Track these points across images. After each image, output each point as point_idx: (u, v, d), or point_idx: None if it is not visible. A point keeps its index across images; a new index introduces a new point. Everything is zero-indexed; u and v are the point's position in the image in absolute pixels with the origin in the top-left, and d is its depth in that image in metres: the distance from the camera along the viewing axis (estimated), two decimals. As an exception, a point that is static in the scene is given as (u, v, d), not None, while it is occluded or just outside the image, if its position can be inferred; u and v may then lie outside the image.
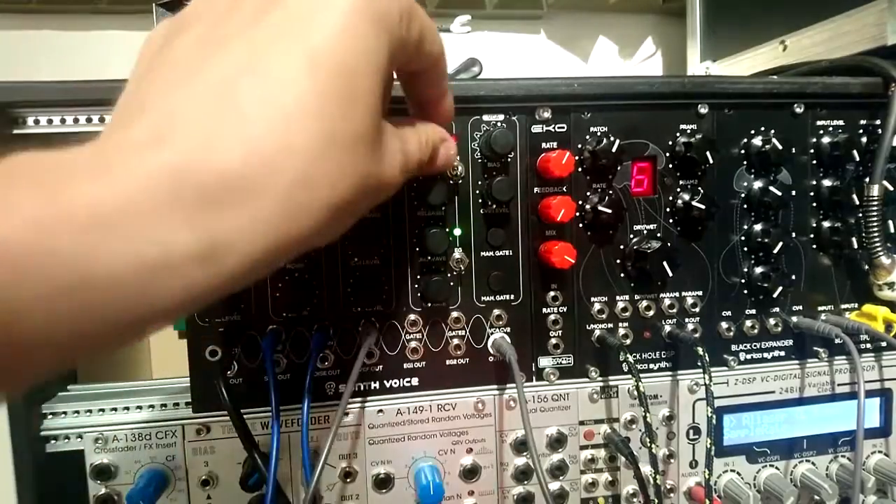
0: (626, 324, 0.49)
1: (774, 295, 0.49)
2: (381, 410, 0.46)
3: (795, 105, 0.50)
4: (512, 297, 0.47)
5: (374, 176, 0.24)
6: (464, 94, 0.45)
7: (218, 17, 0.24)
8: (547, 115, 0.46)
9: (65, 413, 0.45)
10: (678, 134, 0.48)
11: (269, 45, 0.21)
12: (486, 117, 0.46)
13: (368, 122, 0.23)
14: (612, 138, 0.46)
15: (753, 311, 0.51)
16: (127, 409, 0.45)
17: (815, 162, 0.51)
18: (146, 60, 0.25)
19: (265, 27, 0.22)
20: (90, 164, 0.18)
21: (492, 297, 0.47)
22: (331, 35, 0.22)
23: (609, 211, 0.46)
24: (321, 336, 0.44)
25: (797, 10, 0.69)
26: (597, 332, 0.48)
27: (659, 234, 0.48)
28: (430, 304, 0.46)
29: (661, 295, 0.49)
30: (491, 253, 0.47)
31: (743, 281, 0.50)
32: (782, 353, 0.52)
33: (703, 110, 0.48)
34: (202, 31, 0.23)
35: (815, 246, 0.51)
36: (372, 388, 0.46)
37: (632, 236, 0.48)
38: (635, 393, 0.46)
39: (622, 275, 0.49)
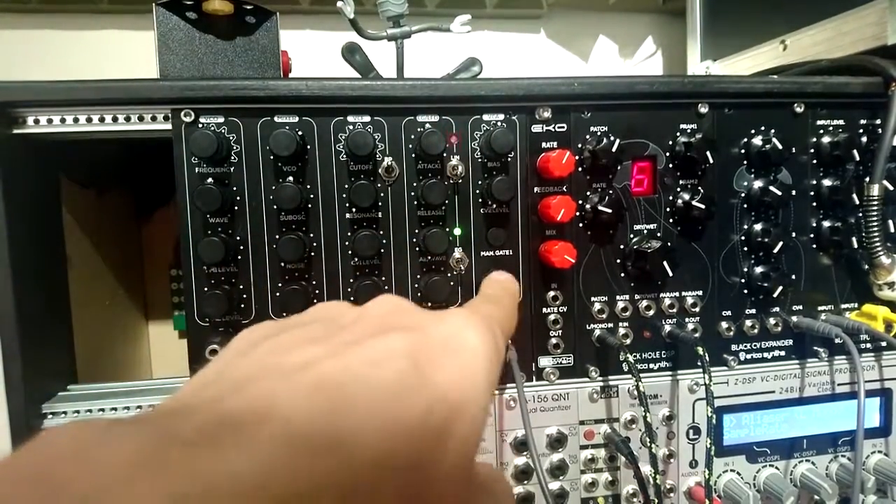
0: (626, 323, 0.49)
1: (774, 295, 0.49)
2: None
3: (795, 105, 0.50)
4: (512, 296, 0.47)
5: None
6: (464, 93, 0.45)
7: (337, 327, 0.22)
8: (547, 114, 0.46)
9: (65, 413, 0.45)
10: (678, 133, 0.48)
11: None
12: (486, 117, 0.46)
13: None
14: (612, 138, 0.46)
15: (753, 311, 0.51)
16: (127, 408, 0.45)
17: (815, 161, 0.51)
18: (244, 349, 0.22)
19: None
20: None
21: (492, 297, 0.47)
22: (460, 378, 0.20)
23: (609, 211, 0.46)
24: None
25: (797, 10, 0.69)
26: (597, 332, 0.48)
27: (659, 234, 0.48)
28: (430, 304, 0.46)
29: (662, 295, 0.49)
30: (491, 253, 0.47)
31: (743, 280, 0.50)
32: (782, 353, 0.52)
33: (704, 110, 0.48)
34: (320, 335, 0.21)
35: (815, 246, 0.51)
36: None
37: (632, 236, 0.48)
38: (635, 393, 0.46)
39: (622, 274, 0.49)
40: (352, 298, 0.45)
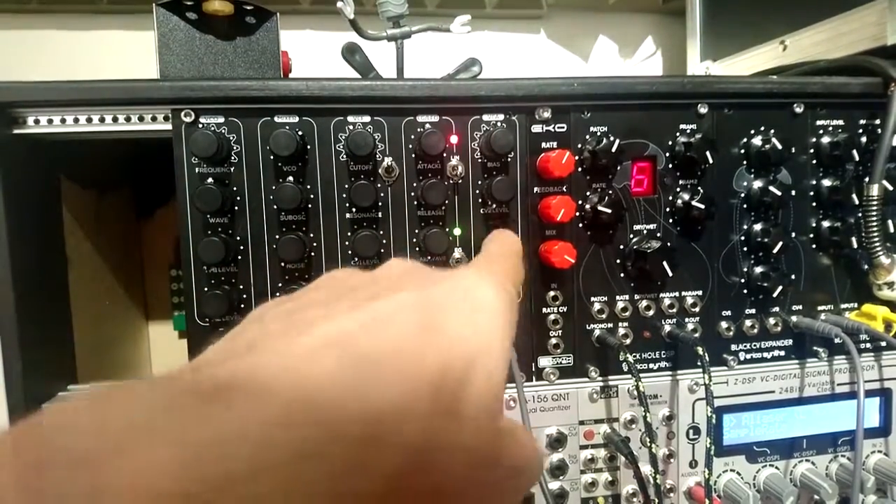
0: (625, 323, 0.49)
1: (774, 294, 0.49)
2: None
3: (795, 105, 0.50)
4: (512, 296, 0.47)
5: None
6: (464, 94, 0.45)
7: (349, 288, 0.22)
8: (547, 114, 0.46)
9: (65, 413, 0.45)
10: (678, 134, 0.48)
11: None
12: (486, 117, 0.46)
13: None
14: (611, 138, 0.46)
15: (753, 311, 0.51)
16: (127, 408, 0.45)
17: (814, 162, 0.51)
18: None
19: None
20: None
21: (492, 297, 0.47)
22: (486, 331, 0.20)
23: (609, 211, 0.46)
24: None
25: (797, 10, 0.69)
26: (597, 332, 0.48)
27: (659, 234, 0.48)
28: (430, 304, 0.46)
29: (661, 295, 0.49)
30: (491, 253, 0.47)
31: (743, 281, 0.50)
32: (782, 353, 0.52)
33: (703, 110, 0.48)
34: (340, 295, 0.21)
35: (814, 246, 0.51)
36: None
37: (632, 236, 0.48)
38: (635, 393, 0.46)
39: (622, 274, 0.49)
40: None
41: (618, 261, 0.48)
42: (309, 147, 0.44)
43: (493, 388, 0.19)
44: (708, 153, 0.47)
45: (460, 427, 0.17)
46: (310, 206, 0.45)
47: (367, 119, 0.45)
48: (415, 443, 0.16)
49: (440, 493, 0.17)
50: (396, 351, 0.17)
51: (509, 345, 0.22)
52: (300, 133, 0.43)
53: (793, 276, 0.51)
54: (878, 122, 0.51)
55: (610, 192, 0.47)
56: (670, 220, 0.49)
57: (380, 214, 0.45)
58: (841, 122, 0.51)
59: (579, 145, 0.47)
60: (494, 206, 0.46)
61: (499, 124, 0.46)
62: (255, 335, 0.19)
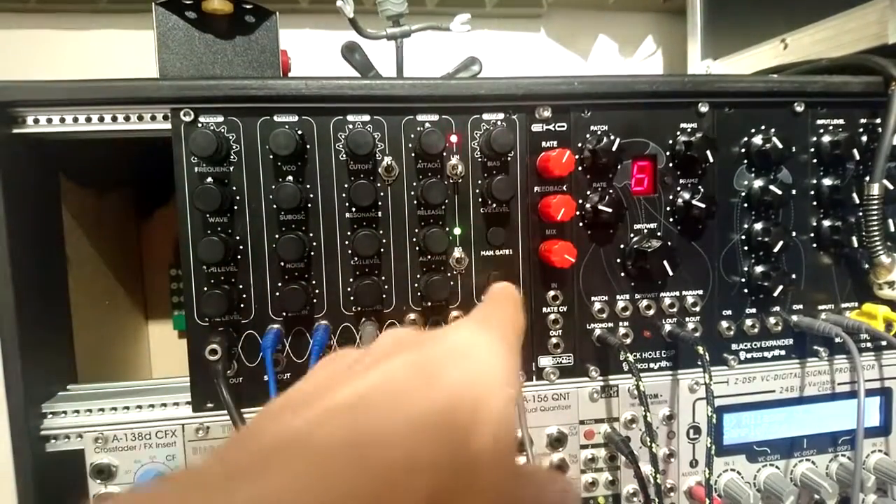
0: (626, 323, 0.49)
1: (775, 294, 0.49)
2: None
3: (796, 104, 0.50)
4: (512, 296, 0.47)
5: None
6: (464, 93, 0.45)
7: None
8: (547, 113, 0.46)
9: (65, 413, 0.45)
10: (678, 133, 0.48)
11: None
12: (486, 116, 0.46)
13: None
14: (612, 137, 0.46)
15: (754, 310, 0.51)
16: (127, 408, 0.45)
17: (815, 161, 0.51)
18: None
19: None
20: None
21: (492, 297, 0.47)
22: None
23: (609, 210, 0.46)
24: (321, 335, 0.44)
25: (798, 9, 0.69)
26: (597, 332, 0.48)
27: (659, 234, 0.48)
28: (429, 303, 0.46)
29: (662, 294, 0.49)
30: (491, 252, 0.47)
31: (743, 280, 0.50)
32: (782, 353, 0.52)
33: (704, 109, 0.48)
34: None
35: (815, 245, 0.51)
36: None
37: (632, 235, 0.48)
38: (635, 392, 0.46)
39: (622, 274, 0.49)
40: (351, 298, 0.45)
41: (618, 260, 0.48)
42: (308, 146, 0.44)
43: (503, 432, 0.19)
44: (708, 152, 0.47)
45: (474, 472, 0.18)
46: (309, 205, 0.45)
47: (366, 118, 0.45)
48: (429, 491, 0.16)
49: None
50: (400, 406, 0.18)
51: (514, 392, 0.22)
52: (300, 132, 0.43)
53: (793, 276, 0.50)
54: (878, 120, 0.51)
55: (610, 191, 0.47)
56: (671, 220, 0.49)
57: (379, 214, 0.45)
58: (841, 121, 0.51)
59: (579, 144, 0.47)
60: (494, 205, 0.46)
61: (499, 123, 0.46)
62: (264, 425, 0.19)
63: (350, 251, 0.45)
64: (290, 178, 0.44)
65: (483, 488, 0.18)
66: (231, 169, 0.44)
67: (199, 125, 0.43)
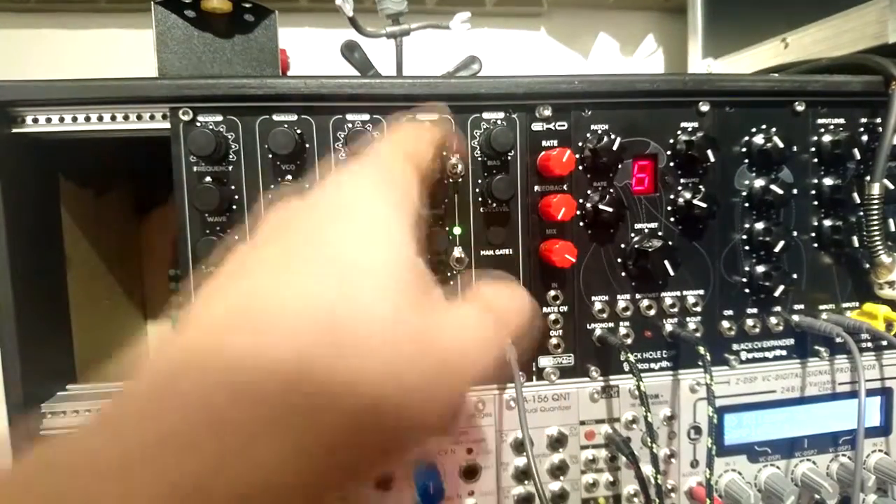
0: (627, 323, 0.49)
1: (776, 294, 0.49)
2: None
3: (796, 103, 0.50)
4: (512, 296, 0.47)
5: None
6: (464, 91, 0.45)
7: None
8: (547, 112, 0.46)
9: (64, 413, 0.45)
10: (679, 132, 0.48)
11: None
12: (486, 115, 0.46)
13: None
14: (612, 136, 0.46)
15: (755, 310, 0.50)
16: (126, 408, 0.45)
17: (815, 160, 0.50)
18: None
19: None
20: None
21: (492, 297, 0.47)
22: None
23: (610, 209, 0.46)
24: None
25: (798, 8, 0.68)
26: (598, 332, 0.48)
27: (660, 233, 0.48)
28: (430, 304, 0.46)
29: (663, 294, 0.49)
30: (491, 252, 0.47)
31: (744, 280, 0.50)
32: (783, 353, 0.51)
33: (705, 108, 0.48)
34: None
35: (816, 244, 0.51)
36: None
37: (633, 235, 0.48)
38: (636, 392, 0.46)
39: (623, 274, 0.48)
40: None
41: (619, 260, 0.48)
42: (308, 145, 0.44)
43: (386, 289, 0.21)
44: (709, 151, 0.47)
45: (353, 332, 0.19)
46: (309, 205, 0.45)
47: (366, 117, 0.44)
48: (307, 349, 0.18)
49: (359, 415, 0.19)
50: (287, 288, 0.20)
51: (403, 227, 0.24)
52: (299, 131, 0.43)
53: (794, 276, 0.50)
54: (879, 120, 0.50)
55: (611, 190, 0.47)
56: (671, 219, 0.49)
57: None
58: (842, 121, 0.51)
59: (580, 143, 0.47)
60: (494, 204, 0.46)
61: (499, 122, 0.46)
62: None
63: (350, 251, 0.45)
64: (290, 177, 0.44)
65: (367, 345, 0.19)
66: (230, 168, 0.44)
67: (198, 124, 0.43)
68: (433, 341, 0.21)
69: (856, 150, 0.49)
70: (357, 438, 0.18)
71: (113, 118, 0.44)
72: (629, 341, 0.48)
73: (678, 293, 0.49)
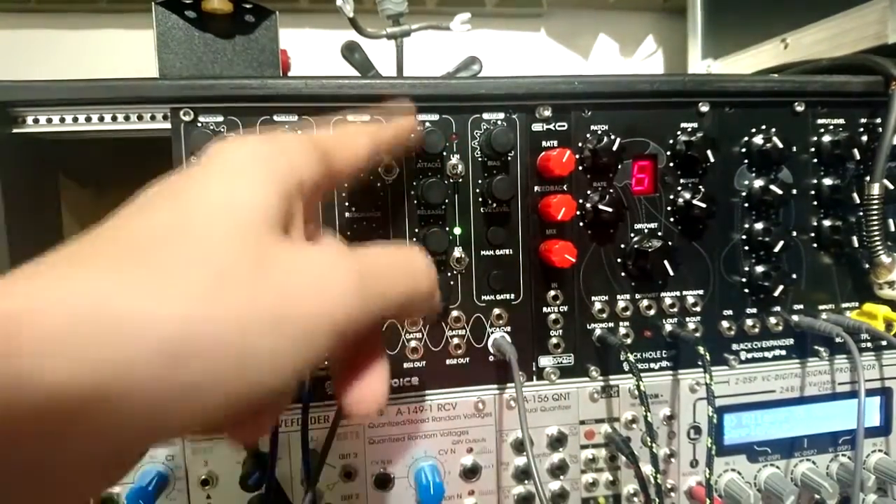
0: (626, 323, 0.49)
1: (775, 294, 0.49)
2: (380, 410, 0.46)
3: (796, 103, 0.50)
4: (512, 296, 0.47)
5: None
6: (464, 92, 0.45)
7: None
8: (547, 113, 0.46)
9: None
10: (679, 132, 0.48)
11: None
12: (486, 115, 0.46)
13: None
14: (612, 137, 0.46)
15: (754, 310, 0.51)
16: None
17: (815, 160, 0.51)
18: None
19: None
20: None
21: (492, 297, 0.47)
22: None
23: (610, 210, 0.46)
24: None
25: (798, 8, 0.69)
26: (597, 332, 0.48)
27: (660, 233, 0.48)
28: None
29: (662, 294, 0.49)
30: (491, 252, 0.47)
31: (744, 280, 0.50)
32: (783, 352, 0.51)
33: (704, 108, 0.48)
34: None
35: (815, 244, 0.51)
36: (372, 387, 0.46)
37: (633, 235, 0.48)
38: (636, 392, 0.46)
39: (623, 274, 0.48)
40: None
41: (619, 260, 0.48)
42: (308, 146, 0.44)
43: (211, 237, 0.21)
44: (709, 152, 0.47)
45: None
46: (309, 205, 0.45)
47: (366, 118, 0.44)
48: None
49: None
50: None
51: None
52: (299, 132, 0.43)
53: (794, 276, 0.50)
54: (878, 120, 0.50)
55: (611, 190, 0.47)
56: (671, 219, 0.49)
57: (379, 214, 0.45)
58: (842, 121, 0.51)
59: (580, 144, 0.47)
60: (494, 205, 0.46)
61: (499, 123, 0.46)
62: None
63: (350, 251, 0.45)
64: (290, 177, 0.44)
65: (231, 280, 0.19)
66: (231, 169, 0.44)
67: (199, 125, 0.43)
68: (269, 279, 0.21)
69: (856, 151, 0.49)
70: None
71: (114, 118, 0.44)
72: (629, 341, 0.48)
73: (678, 293, 0.49)
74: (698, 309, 0.49)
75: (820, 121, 0.50)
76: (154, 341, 0.18)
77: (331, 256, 0.24)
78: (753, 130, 0.49)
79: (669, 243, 0.47)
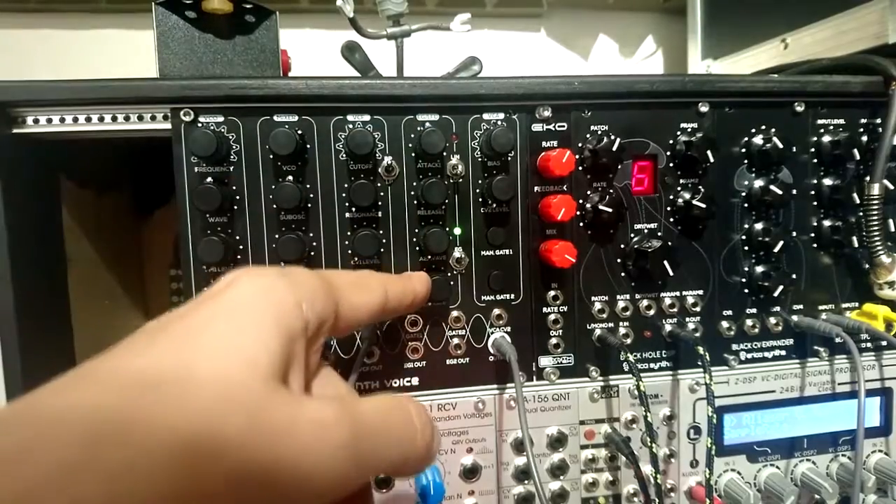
0: (626, 323, 0.49)
1: (775, 294, 0.49)
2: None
3: (796, 104, 0.50)
4: (512, 296, 0.47)
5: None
6: (464, 92, 0.45)
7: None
8: (547, 113, 0.46)
9: (65, 413, 0.45)
10: (679, 133, 0.48)
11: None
12: (486, 116, 0.46)
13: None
14: (612, 137, 0.46)
15: (754, 311, 0.51)
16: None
17: (815, 161, 0.51)
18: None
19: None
20: None
21: (492, 297, 0.47)
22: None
23: (610, 210, 0.46)
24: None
25: (798, 9, 0.69)
26: (597, 332, 0.48)
27: (660, 233, 0.48)
28: (430, 304, 0.46)
29: (662, 294, 0.49)
30: (491, 252, 0.47)
31: (744, 280, 0.50)
32: (783, 353, 0.51)
33: (704, 109, 0.48)
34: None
35: (815, 245, 0.51)
36: (372, 387, 0.46)
37: (632, 235, 0.48)
38: (636, 392, 0.46)
39: (623, 274, 0.48)
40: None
41: (618, 260, 0.48)
42: (308, 146, 0.44)
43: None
44: (709, 152, 0.47)
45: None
46: (309, 205, 0.45)
47: (366, 118, 0.44)
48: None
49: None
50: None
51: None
52: (299, 132, 0.43)
53: (794, 276, 0.50)
54: (878, 120, 0.50)
55: (611, 190, 0.47)
56: (671, 220, 0.49)
57: (379, 214, 0.45)
58: (842, 121, 0.51)
59: (580, 144, 0.47)
60: (494, 205, 0.46)
61: (499, 123, 0.46)
62: None
63: (350, 251, 0.45)
64: (290, 177, 0.44)
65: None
66: (231, 169, 0.44)
67: (199, 125, 0.43)
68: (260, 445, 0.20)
69: (855, 151, 0.49)
70: None
71: (114, 119, 0.44)
72: (629, 341, 0.48)
73: (678, 293, 0.49)
74: (698, 309, 0.49)
75: (820, 121, 0.50)
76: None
77: (325, 414, 0.23)
78: (753, 131, 0.49)
79: (669, 243, 0.47)
